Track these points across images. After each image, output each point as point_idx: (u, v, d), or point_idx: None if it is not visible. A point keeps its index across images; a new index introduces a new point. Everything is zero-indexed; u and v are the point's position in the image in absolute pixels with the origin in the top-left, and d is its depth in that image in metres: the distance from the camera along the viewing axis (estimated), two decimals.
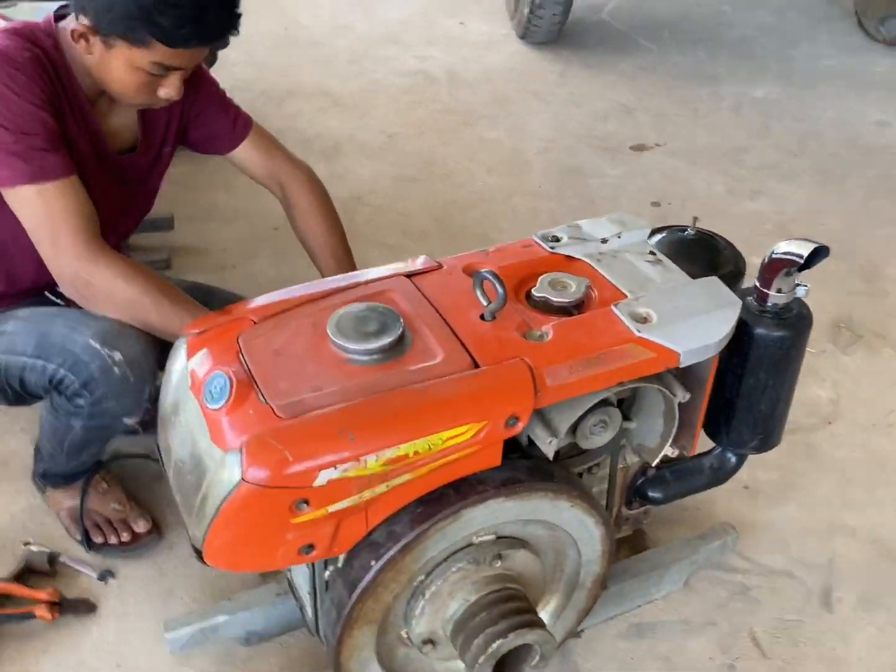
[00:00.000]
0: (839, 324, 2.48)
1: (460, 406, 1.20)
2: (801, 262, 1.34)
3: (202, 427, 1.22)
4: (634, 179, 3.18)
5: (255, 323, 1.33)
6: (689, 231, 1.58)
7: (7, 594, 1.67)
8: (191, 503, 1.22)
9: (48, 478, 1.79)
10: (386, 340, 1.25)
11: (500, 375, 1.23)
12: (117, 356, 1.48)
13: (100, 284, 1.48)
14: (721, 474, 1.59)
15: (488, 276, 1.30)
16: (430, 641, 1.36)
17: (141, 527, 1.79)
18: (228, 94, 1.85)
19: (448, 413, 1.19)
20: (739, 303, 1.37)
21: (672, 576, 1.72)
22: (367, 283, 1.41)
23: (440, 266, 1.46)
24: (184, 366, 1.31)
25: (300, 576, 1.47)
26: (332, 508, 1.18)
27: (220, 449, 1.18)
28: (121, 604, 1.70)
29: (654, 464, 1.45)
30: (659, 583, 1.71)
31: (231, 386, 1.21)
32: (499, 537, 1.34)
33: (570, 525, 1.38)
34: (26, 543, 1.77)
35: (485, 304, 1.32)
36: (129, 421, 1.57)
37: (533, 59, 4.03)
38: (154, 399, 1.56)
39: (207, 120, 1.77)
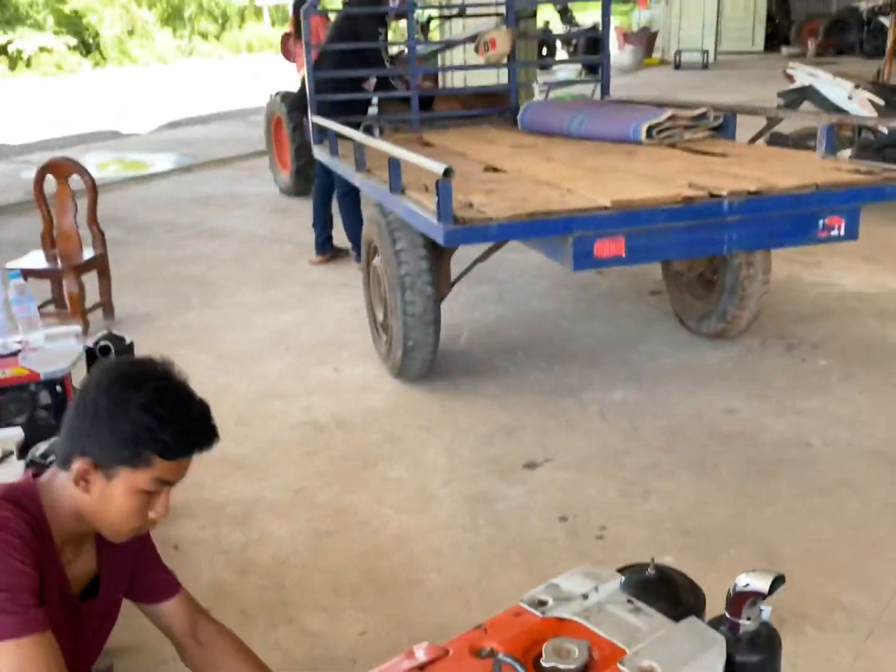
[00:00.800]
0: None
1: None
2: (766, 593, 1.52)
3: None
4: (536, 497, 3.39)
5: None
6: (650, 570, 1.75)
7: None
8: None
9: None
10: None
11: None
12: None
13: None
14: None
15: (508, 660, 1.39)
16: None
17: None
18: None
19: None
20: (723, 639, 1.52)
21: None
22: None
23: (447, 652, 1.54)
24: None
25: None
26: None
27: None
28: None
29: None
30: None
31: None
32: None
33: None
34: None
35: None
36: None
37: (412, 395, 4.34)
38: None
39: (150, 570, 1.94)
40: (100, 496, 1.61)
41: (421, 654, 1.54)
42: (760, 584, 1.53)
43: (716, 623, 1.61)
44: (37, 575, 1.52)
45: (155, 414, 1.57)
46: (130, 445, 1.56)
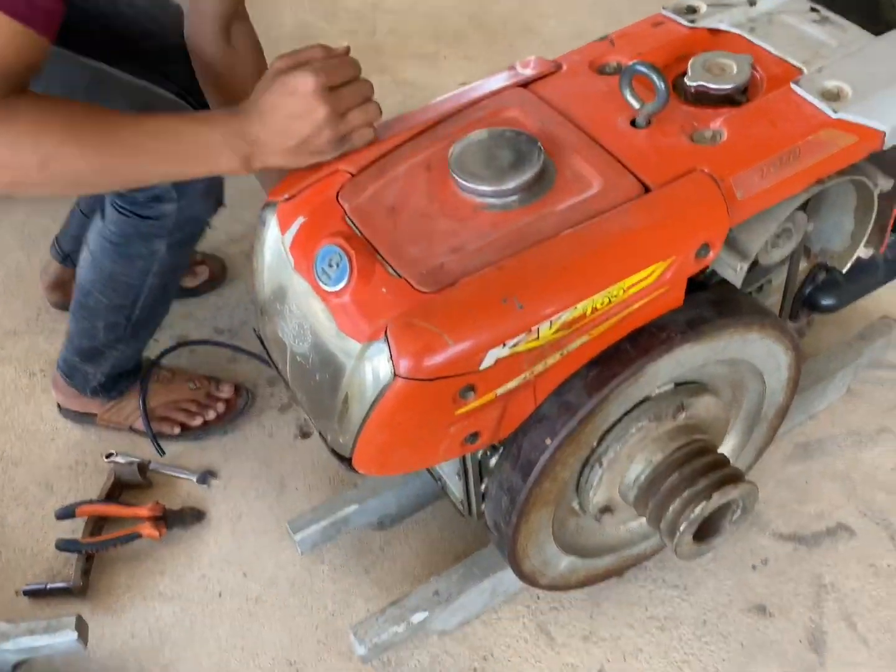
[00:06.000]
0: None
1: (644, 244, 0.95)
2: None
3: (324, 315, 0.98)
4: None
5: (352, 175, 1.07)
6: None
7: (104, 516, 1.49)
8: (326, 406, 1.01)
9: (107, 388, 1.56)
10: (528, 174, 0.99)
11: (682, 196, 0.97)
12: None
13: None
14: None
15: (643, 69, 1.01)
16: (607, 509, 1.18)
17: (227, 392, 1.62)
18: None
19: (631, 255, 0.95)
20: None
21: (835, 384, 1.52)
22: (476, 101, 1.13)
23: (559, 66, 1.17)
24: (277, 241, 1.06)
25: None
26: (500, 391, 0.96)
27: (354, 340, 0.95)
28: (231, 506, 1.52)
29: (844, 269, 1.22)
30: (822, 394, 1.52)
31: (350, 260, 0.96)
32: (677, 385, 1.14)
33: (757, 357, 1.16)
34: (108, 456, 1.58)
35: (637, 106, 1.05)
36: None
37: None
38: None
39: None
40: None
41: (530, 68, 1.18)
42: None
43: None
44: None
45: None
46: None
